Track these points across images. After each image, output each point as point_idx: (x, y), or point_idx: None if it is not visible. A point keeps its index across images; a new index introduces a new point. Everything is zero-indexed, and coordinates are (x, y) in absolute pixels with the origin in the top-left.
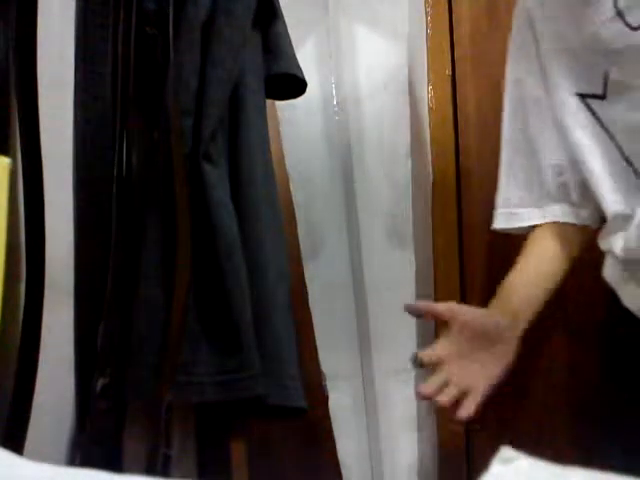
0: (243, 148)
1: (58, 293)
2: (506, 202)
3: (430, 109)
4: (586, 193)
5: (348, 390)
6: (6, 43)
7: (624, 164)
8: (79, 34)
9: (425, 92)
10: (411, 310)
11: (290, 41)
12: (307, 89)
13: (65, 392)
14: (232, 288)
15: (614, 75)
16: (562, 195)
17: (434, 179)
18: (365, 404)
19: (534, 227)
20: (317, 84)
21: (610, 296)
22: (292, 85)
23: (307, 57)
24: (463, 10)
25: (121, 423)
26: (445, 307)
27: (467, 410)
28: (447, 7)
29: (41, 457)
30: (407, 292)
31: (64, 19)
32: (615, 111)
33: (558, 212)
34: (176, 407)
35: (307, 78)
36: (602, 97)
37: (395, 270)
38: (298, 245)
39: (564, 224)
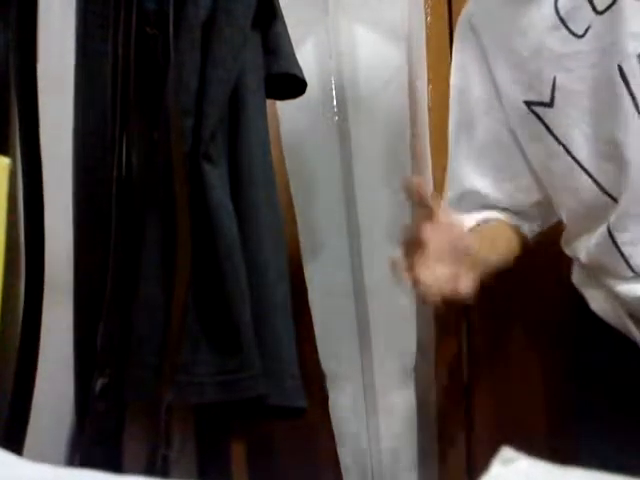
0: (243, 148)
1: (58, 293)
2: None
3: (430, 109)
4: (537, 206)
5: (348, 390)
6: (6, 43)
7: (582, 173)
8: (79, 34)
9: (425, 92)
10: (412, 186)
11: (290, 41)
12: (307, 89)
13: (65, 392)
14: (232, 288)
15: (561, 81)
16: (512, 206)
17: (434, 180)
18: (365, 404)
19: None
20: (317, 84)
21: (575, 301)
22: (292, 85)
23: (307, 57)
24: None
25: (121, 423)
26: (441, 207)
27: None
28: (447, 7)
29: (41, 457)
30: (407, 292)
31: (64, 19)
32: (563, 118)
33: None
34: (176, 407)
35: (307, 78)
36: (549, 105)
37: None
38: (298, 245)
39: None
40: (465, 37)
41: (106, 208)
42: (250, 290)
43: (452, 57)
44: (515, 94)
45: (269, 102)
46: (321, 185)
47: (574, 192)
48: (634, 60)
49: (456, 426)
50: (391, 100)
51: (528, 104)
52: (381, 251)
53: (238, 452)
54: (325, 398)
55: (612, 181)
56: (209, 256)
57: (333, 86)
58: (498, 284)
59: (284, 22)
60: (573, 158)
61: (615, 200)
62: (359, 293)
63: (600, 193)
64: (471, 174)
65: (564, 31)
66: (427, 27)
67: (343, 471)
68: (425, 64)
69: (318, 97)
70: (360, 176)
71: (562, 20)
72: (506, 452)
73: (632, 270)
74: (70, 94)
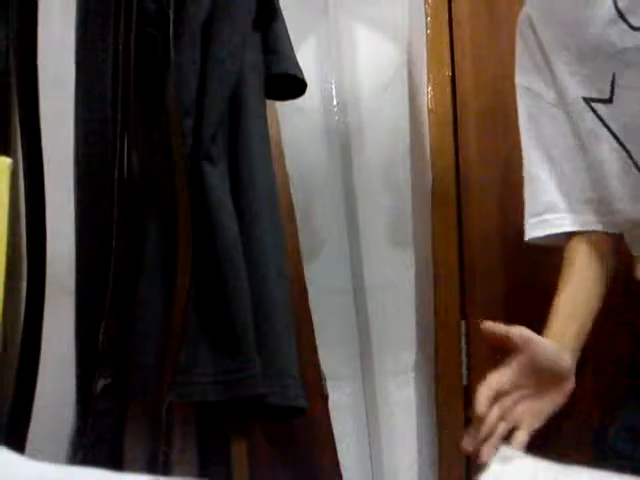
0: (243, 148)
1: (59, 293)
2: (534, 210)
3: (430, 110)
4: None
5: (348, 390)
6: (6, 43)
7: (636, 172)
8: (79, 34)
9: (425, 93)
10: (487, 331)
11: (290, 41)
12: (307, 89)
13: (66, 392)
14: (232, 288)
15: (621, 77)
16: (590, 201)
17: (433, 179)
18: (365, 404)
19: (569, 237)
20: (317, 84)
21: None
22: (292, 85)
23: (307, 57)
24: (463, 10)
25: (122, 423)
26: (518, 333)
27: (518, 444)
28: (447, 7)
29: (42, 456)
30: (407, 293)
31: (65, 19)
32: (622, 115)
33: (590, 219)
34: (177, 407)
35: (307, 78)
36: (609, 101)
37: (395, 270)
38: (298, 245)
39: (597, 233)
40: (525, 34)
41: (107, 208)
42: (250, 290)
43: (516, 54)
44: (573, 90)
45: (269, 102)
46: (321, 185)
47: (631, 191)
48: None
49: (456, 426)
50: (391, 100)
51: (587, 100)
52: (381, 251)
53: (239, 451)
54: (325, 398)
55: None
56: (209, 256)
57: (333, 86)
58: (498, 284)
59: (284, 22)
60: (630, 157)
61: None
62: (359, 293)
63: None
64: (549, 171)
65: (623, 25)
66: (427, 27)
67: (343, 471)
68: (425, 65)
69: (318, 97)
70: (360, 176)
71: (620, 13)
72: (505, 451)
73: None
74: (71, 94)
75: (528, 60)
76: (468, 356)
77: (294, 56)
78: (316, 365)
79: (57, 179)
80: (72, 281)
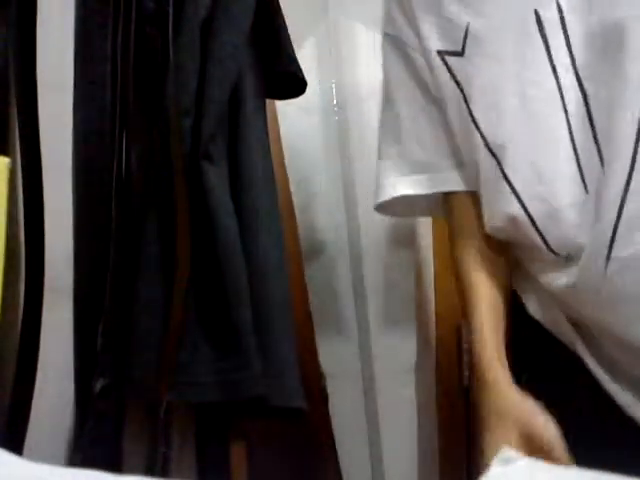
0: (243, 148)
1: (57, 294)
2: (408, 168)
3: None
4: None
5: (348, 390)
6: (6, 43)
7: (481, 142)
8: (79, 34)
9: None
10: None
11: (290, 40)
12: (307, 89)
13: (65, 393)
14: (231, 288)
15: (475, 26)
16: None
17: None
18: (365, 404)
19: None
20: (317, 84)
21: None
22: (292, 85)
23: (307, 57)
24: None
25: (121, 423)
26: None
27: None
28: None
29: (41, 457)
30: (407, 292)
31: (64, 19)
32: (472, 69)
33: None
34: (175, 407)
35: (307, 78)
36: (460, 53)
37: (395, 270)
38: (298, 245)
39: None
40: None
41: (106, 208)
42: (250, 290)
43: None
44: (431, 43)
45: (269, 102)
46: (321, 185)
47: (470, 151)
48: (553, 6)
49: (456, 426)
50: None
51: (441, 53)
52: (381, 250)
53: (238, 452)
54: (325, 398)
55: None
56: (209, 256)
57: (333, 86)
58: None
59: (284, 22)
60: (473, 119)
61: (499, 162)
62: (359, 293)
63: (486, 150)
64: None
65: None
66: None
67: (343, 471)
68: None
69: (318, 97)
70: (360, 176)
71: None
72: (506, 452)
73: (552, 251)
74: (70, 94)
75: (395, 7)
76: (468, 356)
77: (294, 55)
78: (316, 365)
79: (55, 178)
80: (70, 281)
